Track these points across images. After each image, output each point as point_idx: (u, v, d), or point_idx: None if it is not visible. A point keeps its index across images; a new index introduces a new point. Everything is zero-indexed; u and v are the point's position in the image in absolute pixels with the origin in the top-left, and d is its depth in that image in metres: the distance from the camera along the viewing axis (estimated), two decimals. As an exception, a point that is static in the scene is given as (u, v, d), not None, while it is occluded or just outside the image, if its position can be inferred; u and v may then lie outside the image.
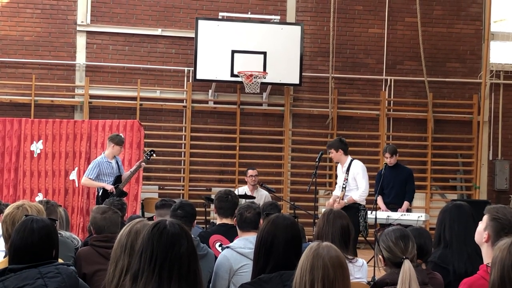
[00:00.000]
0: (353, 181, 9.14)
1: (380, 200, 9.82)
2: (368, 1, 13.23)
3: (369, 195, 9.50)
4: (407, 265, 3.30)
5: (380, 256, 3.59)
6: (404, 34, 13.34)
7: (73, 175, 11.17)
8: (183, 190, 12.59)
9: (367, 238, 10.29)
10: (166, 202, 5.78)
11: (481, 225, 3.53)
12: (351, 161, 9.25)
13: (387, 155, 9.82)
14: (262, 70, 11.98)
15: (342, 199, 9.12)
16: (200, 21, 12.14)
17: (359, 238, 9.56)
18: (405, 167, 10.17)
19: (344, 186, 9.18)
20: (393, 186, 9.87)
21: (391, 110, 13.35)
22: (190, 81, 12.65)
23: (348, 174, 9.16)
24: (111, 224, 4.85)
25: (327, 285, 2.74)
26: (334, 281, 2.75)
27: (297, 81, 12.42)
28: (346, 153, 9.32)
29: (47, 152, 11.20)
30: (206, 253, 4.67)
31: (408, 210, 9.88)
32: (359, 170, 9.17)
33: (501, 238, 2.91)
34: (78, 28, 12.48)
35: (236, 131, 12.78)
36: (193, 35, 12.21)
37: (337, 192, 9.37)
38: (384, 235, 3.61)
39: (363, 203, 9.15)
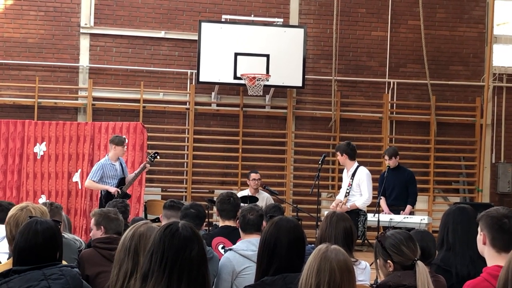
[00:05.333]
0: (357, 187, 9.15)
1: (383, 203, 9.82)
2: (371, 4, 13.23)
3: (372, 197, 9.51)
4: (421, 266, 3.29)
5: (389, 261, 3.54)
6: (407, 37, 13.33)
7: (76, 177, 11.19)
8: (185, 192, 12.60)
9: (370, 241, 10.28)
10: (175, 204, 5.75)
11: (478, 233, 3.53)
12: (357, 167, 9.25)
13: (386, 157, 9.87)
14: (265, 73, 11.99)
15: (345, 204, 9.13)
16: (203, 24, 12.15)
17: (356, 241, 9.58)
18: (406, 169, 10.19)
19: (348, 191, 9.17)
20: (394, 188, 9.89)
21: (394, 113, 13.34)
22: (193, 83, 12.65)
23: (353, 179, 9.16)
24: (120, 226, 4.92)
25: (332, 288, 2.74)
26: (340, 285, 2.75)
27: (300, 84, 12.42)
28: (351, 158, 9.28)
29: (50, 154, 11.22)
30: (212, 257, 4.67)
31: (411, 213, 9.88)
32: (364, 177, 9.17)
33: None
34: (82, 30, 12.49)
35: (239, 134, 12.79)
36: (196, 38, 12.22)
37: (340, 196, 9.37)
38: (391, 239, 3.56)
39: (364, 209, 9.18)
